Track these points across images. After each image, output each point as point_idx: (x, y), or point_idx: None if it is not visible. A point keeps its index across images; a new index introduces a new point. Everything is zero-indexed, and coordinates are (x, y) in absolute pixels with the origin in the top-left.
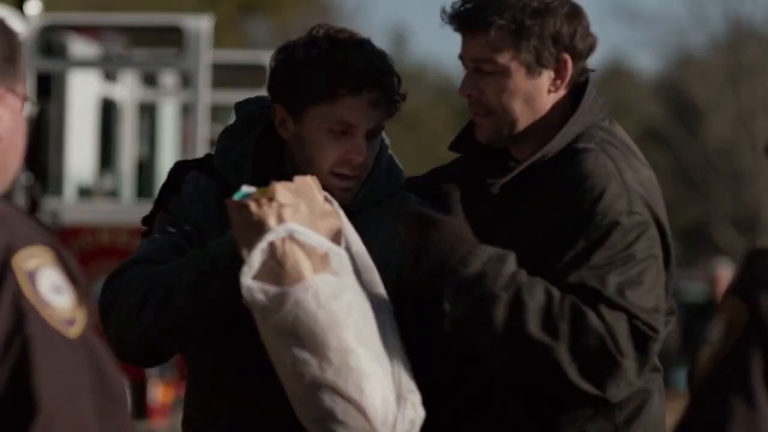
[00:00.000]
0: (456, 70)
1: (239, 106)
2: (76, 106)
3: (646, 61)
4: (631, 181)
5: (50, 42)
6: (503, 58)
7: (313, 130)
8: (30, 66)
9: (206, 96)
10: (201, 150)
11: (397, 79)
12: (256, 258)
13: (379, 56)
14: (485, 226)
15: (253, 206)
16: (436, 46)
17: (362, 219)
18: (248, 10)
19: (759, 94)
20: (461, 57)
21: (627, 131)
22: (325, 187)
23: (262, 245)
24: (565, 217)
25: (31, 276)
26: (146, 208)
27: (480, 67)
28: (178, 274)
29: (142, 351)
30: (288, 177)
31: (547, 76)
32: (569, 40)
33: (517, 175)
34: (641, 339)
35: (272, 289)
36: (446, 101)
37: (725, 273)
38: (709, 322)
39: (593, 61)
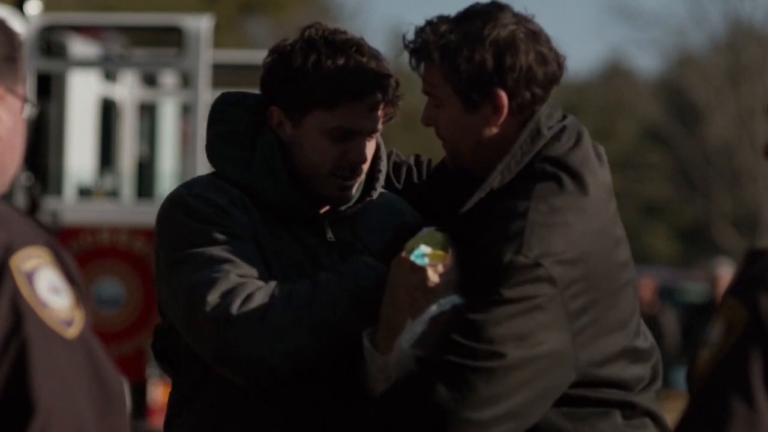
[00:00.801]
0: None
1: (224, 108)
2: (76, 106)
3: (646, 61)
4: (535, 219)
5: (50, 42)
6: (441, 92)
7: (313, 135)
8: (30, 66)
9: (206, 96)
10: (201, 150)
11: (395, 81)
12: (419, 327)
13: (377, 59)
14: (460, 245)
15: (431, 274)
16: None
17: (366, 219)
18: (248, 10)
19: (759, 94)
20: None
21: (627, 131)
22: (325, 189)
23: (430, 315)
24: (475, 254)
25: (30, 276)
26: (146, 208)
27: (428, 93)
28: (331, 299)
29: (286, 369)
30: (291, 176)
31: (484, 112)
32: (504, 75)
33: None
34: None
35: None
36: None
37: (725, 273)
38: (709, 322)
39: (593, 61)
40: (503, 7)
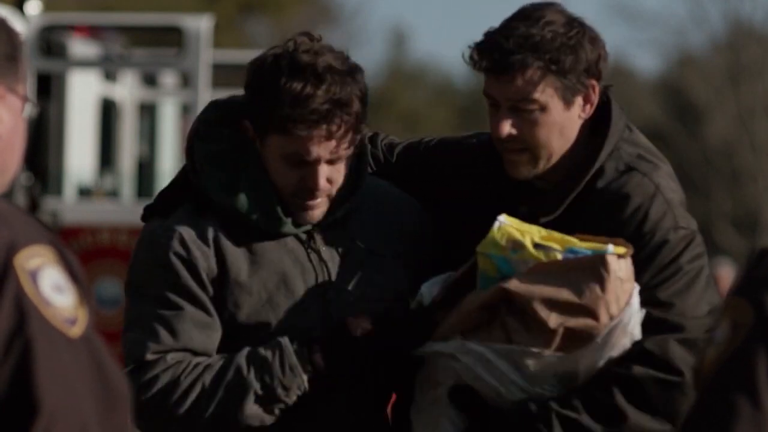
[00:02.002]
0: (456, 70)
1: (211, 128)
2: (76, 106)
3: (646, 61)
4: (671, 196)
5: (50, 42)
6: (543, 96)
7: (272, 156)
8: (30, 66)
9: (206, 96)
10: None
11: (360, 103)
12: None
13: (343, 83)
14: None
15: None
16: (436, 46)
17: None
18: (248, 10)
19: (759, 94)
20: (490, 95)
21: None
22: (292, 207)
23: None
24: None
25: (33, 275)
26: None
27: (518, 105)
28: (234, 397)
29: None
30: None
31: (578, 104)
32: (596, 66)
33: (552, 196)
34: (693, 348)
35: None
36: (446, 101)
37: (725, 273)
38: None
39: None
40: (557, 4)
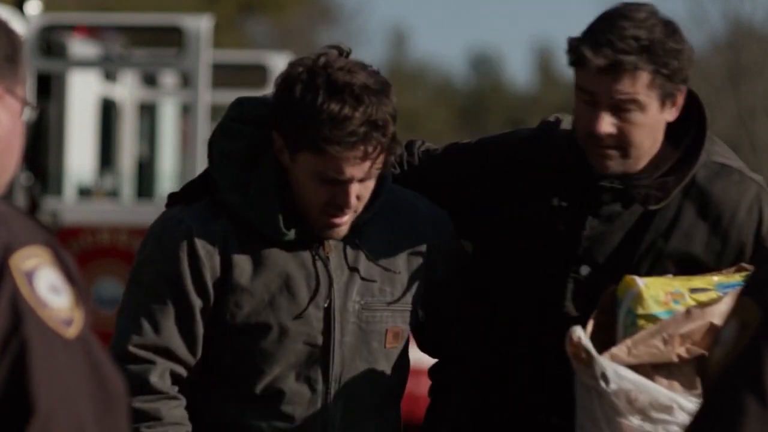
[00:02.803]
0: (456, 70)
1: (233, 126)
2: (76, 106)
3: None
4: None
5: (50, 42)
6: (647, 98)
7: (303, 172)
8: (30, 66)
9: (206, 96)
10: (201, 150)
11: (394, 123)
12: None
13: (378, 103)
14: (625, 239)
15: None
16: (436, 46)
17: (372, 230)
18: (248, 10)
19: (759, 94)
20: (588, 91)
21: None
22: (317, 224)
23: None
24: (727, 242)
25: (29, 276)
26: (146, 208)
27: (620, 105)
28: None
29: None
30: (288, 203)
31: (668, 107)
32: (687, 71)
33: (657, 186)
34: None
35: None
36: (446, 101)
37: None
38: None
39: None
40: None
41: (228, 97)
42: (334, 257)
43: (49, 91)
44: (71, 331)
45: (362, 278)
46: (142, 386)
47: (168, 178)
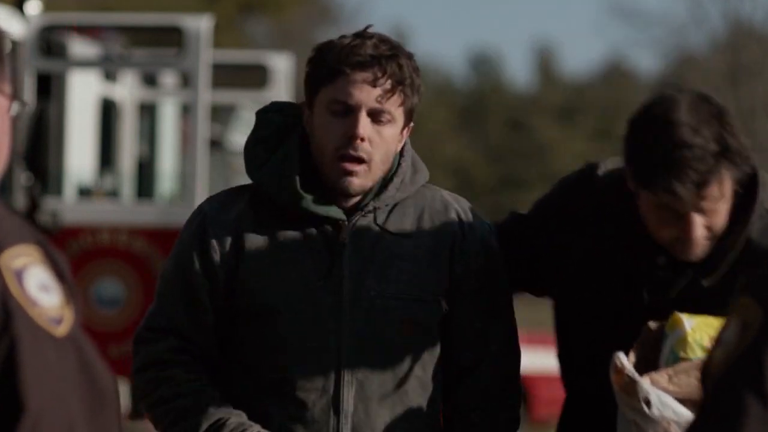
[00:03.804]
0: (456, 70)
1: (265, 115)
2: (76, 106)
3: (646, 61)
4: None
5: (50, 42)
6: (727, 190)
7: (320, 114)
8: (30, 66)
9: (206, 96)
10: (201, 150)
11: (410, 68)
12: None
13: (390, 44)
14: (710, 303)
15: None
16: (436, 46)
17: (395, 213)
18: (248, 10)
19: (759, 94)
20: (671, 207)
21: None
22: (332, 177)
23: None
24: None
25: (19, 275)
26: (146, 208)
27: (708, 207)
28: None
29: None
30: (310, 176)
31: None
32: (747, 148)
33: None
34: None
35: None
36: (446, 101)
37: None
38: None
39: (593, 61)
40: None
41: (228, 97)
42: (350, 243)
43: (49, 91)
44: (61, 330)
45: (379, 266)
46: (153, 359)
47: (168, 178)
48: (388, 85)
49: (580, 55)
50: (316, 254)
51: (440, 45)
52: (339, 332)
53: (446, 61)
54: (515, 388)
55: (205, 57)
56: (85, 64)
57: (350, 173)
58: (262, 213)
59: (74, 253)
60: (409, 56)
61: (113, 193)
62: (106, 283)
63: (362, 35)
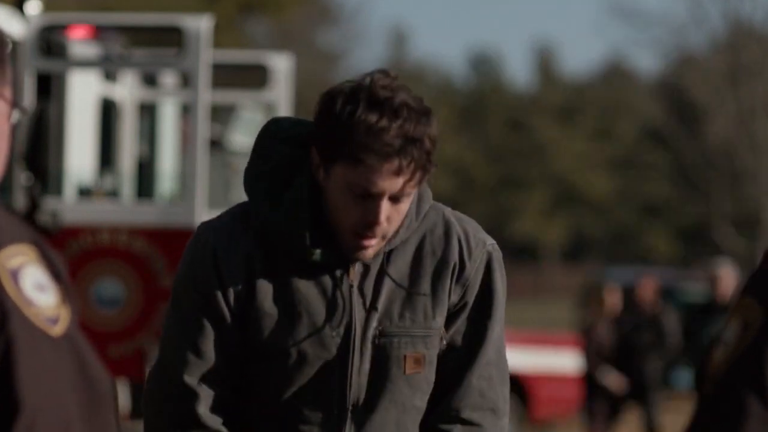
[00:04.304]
0: (456, 70)
1: (268, 143)
2: (76, 106)
3: (646, 61)
4: None
5: (50, 42)
6: None
7: (337, 187)
8: (30, 66)
9: (206, 96)
10: (201, 150)
11: (432, 145)
12: None
13: (416, 120)
14: None
15: None
16: (436, 46)
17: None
18: (248, 10)
19: (759, 94)
20: None
21: (627, 131)
22: (345, 243)
23: None
24: None
25: (14, 274)
26: (146, 208)
27: None
28: None
29: None
30: (325, 224)
31: None
32: None
33: None
34: None
35: None
36: (446, 101)
37: (725, 273)
38: (709, 322)
39: (593, 61)
40: None
41: (228, 97)
42: (357, 284)
43: (49, 91)
44: (57, 329)
45: (385, 306)
46: (191, 420)
47: (168, 178)
48: (412, 171)
49: (580, 55)
50: (323, 296)
51: (440, 45)
52: (344, 371)
53: (446, 61)
54: (493, 413)
55: (205, 57)
56: (85, 64)
57: (365, 248)
58: (271, 254)
59: (74, 253)
60: (431, 120)
61: (113, 193)
62: (106, 283)
63: (384, 107)
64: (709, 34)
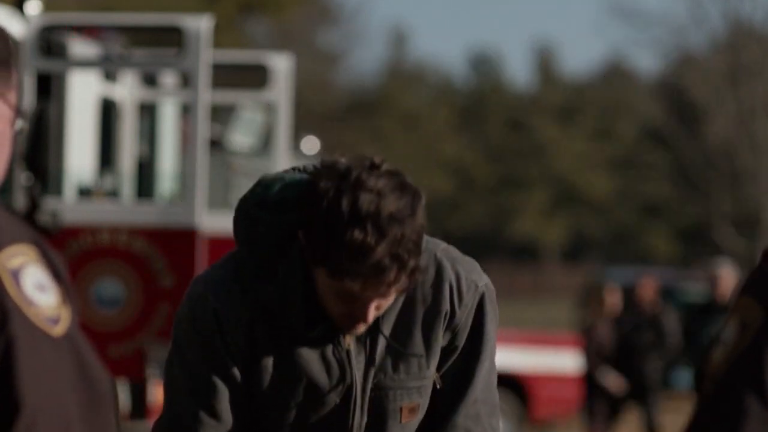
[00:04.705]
0: (456, 70)
1: (257, 213)
2: (76, 106)
3: (646, 61)
4: None
5: (50, 42)
6: None
7: (322, 284)
8: (30, 66)
9: (206, 96)
10: (201, 150)
11: (418, 236)
12: None
13: (402, 234)
14: None
15: None
16: (436, 46)
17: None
18: (248, 10)
19: (759, 94)
20: None
21: (627, 131)
22: (338, 324)
23: None
24: None
25: (15, 274)
26: (146, 208)
27: None
28: None
29: None
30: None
31: None
32: None
33: None
34: None
35: None
36: (446, 101)
37: (725, 273)
38: (709, 322)
39: (593, 61)
40: None
41: (228, 97)
42: (354, 346)
43: (49, 91)
44: (58, 330)
45: (382, 362)
46: None
47: (168, 178)
48: (399, 283)
49: (580, 55)
50: (322, 360)
51: (440, 45)
52: (343, 423)
53: (446, 61)
54: None
55: (205, 57)
56: (85, 64)
57: (356, 329)
58: (269, 320)
59: (74, 253)
60: (418, 215)
61: (113, 193)
62: (106, 283)
63: (368, 223)
64: (709, 34)
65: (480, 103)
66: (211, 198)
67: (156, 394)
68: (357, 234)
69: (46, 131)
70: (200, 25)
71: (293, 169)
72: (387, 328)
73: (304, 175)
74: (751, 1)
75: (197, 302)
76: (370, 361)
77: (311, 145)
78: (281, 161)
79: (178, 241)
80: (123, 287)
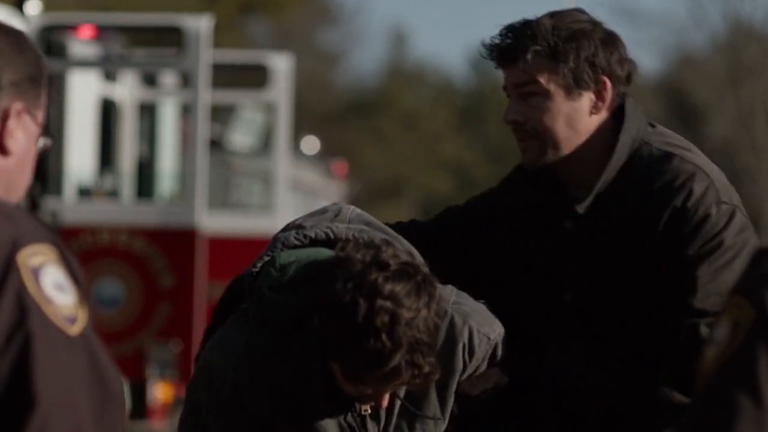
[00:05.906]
0: (456, 70)
1: (270, 296)
2: (76, 106)
3: (646, 61)
4: (710, 170)
5: (50, 42)
6: (542, 80)
7: (337, 373)
8: None
9: (206, 96)
10: (201, 150)
11: (429, 362)
12: None
13: (418, 342)
14: (572, 254)
15: None
16: (436, 46)
17: None
18: (248, 10)
19: (759, 94)
20: (504, 88)
21: None
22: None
23: None
24: (663, 224)
25: (36, 272)
26: (146, 208)
27: (521, 91)
28: None
29: None
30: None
31: (587, 99)
32: (606, 63)
33: (584, 187)
34: None
35: None
36: (446, 101)
37: None
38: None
39: None
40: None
41: (228, 97)
42: (370, 410)
43: (49, 91)
44: (75, 329)
45: (396, 422)
46: None
47: (168, 178)
48: (416, 381)
49: None
50: (340, 425)
51: (440, 45)
52: None
53: (446, 61)
54: None
55: (205, 57)
56: (85, 64)
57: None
58: (287, 394)
59: (74, 253)
60: (431, 306)
61: (113, 193)
62: (106, 283)
63: (388, 334)
64: (709, 34)
65: (480, 103)
66: (211, 198)
67: (155, 394)
68: (373, 343)
69: (47, 131)
70: (200, 25)
71: (301, 234)
72: (402, 391)
73: (321, 251)
74: (751, 1)
75: (216, 373)
76: (387, 424)
77: (311, 145)
78: (281, 161)
79: (178, 241)
80: (123, 287)
